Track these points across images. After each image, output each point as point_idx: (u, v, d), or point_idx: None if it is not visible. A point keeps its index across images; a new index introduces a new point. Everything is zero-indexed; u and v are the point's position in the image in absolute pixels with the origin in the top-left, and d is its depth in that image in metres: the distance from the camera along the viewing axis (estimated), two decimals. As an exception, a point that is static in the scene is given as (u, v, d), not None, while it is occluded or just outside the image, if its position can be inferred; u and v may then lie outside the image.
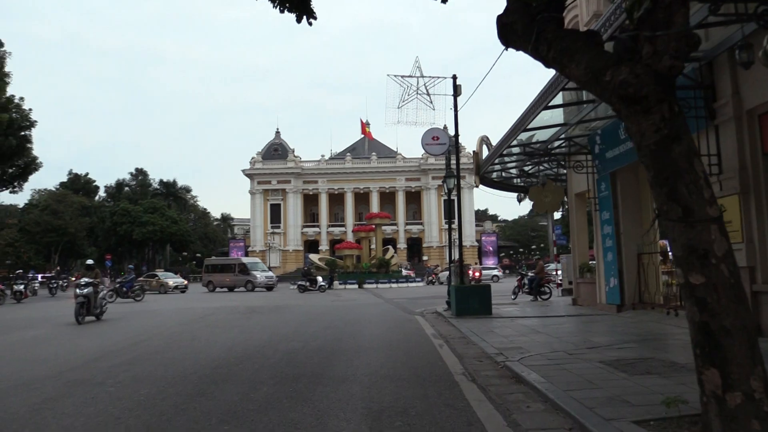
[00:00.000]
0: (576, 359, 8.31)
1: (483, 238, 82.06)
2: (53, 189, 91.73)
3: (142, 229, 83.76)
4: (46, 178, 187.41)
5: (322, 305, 23.20)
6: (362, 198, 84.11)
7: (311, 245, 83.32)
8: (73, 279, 63.48)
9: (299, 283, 38.47)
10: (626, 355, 8.49)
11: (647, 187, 15.44)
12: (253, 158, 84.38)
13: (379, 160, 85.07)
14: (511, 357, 8.63)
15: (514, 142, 15.61)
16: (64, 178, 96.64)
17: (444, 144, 17.22)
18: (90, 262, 19.46)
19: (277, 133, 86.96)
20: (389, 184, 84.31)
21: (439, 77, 17.51)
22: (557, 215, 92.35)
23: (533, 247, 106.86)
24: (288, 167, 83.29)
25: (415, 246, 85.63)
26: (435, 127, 17.41)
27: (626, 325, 12.40)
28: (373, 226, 52.07)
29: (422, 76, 17.41)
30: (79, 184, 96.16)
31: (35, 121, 40.15)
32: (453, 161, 19.21)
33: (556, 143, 16.69)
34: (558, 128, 15.49)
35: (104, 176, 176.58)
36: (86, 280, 16.85)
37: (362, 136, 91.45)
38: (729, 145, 10.18)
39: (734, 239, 9.91)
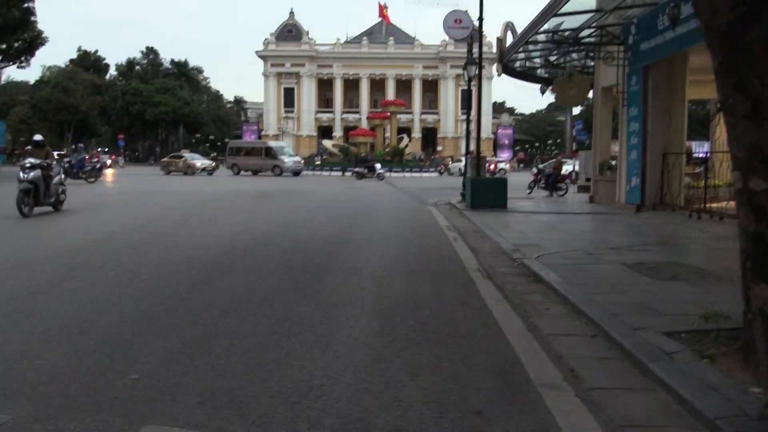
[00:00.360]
0: (596, 260, 8.00)
1: (499, 130, 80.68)
2: (63, 66, 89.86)
3: (155, 110, 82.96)
4: (55, 56, 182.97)
5: (335, 192, 23.03)
6: (378, 84, 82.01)
7: (325, 131, 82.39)
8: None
9: (356, 170, 37.23)
10: (649, 258, 8.16)
11: (681, 84, 14.54)
12: (266, 39, 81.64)
13: (396, 46, 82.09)
14: (528, 254, 8.33)
15: (543, 28, 14.56)
16: (74, 56, 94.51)
17: (467, 28, 16.14)
18: (38, 137, 14.39)
19: (291, 13, 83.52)
20: (406, 71, 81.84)
21: (466, -47, 16.07)
22: (576, 110, 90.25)
23: (549, 141, 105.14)
24: (302, 50, 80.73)
25: (430, 136, 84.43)
26: (458, 9, 16.30)
27: (647, 226, 12.03)
28: (389, 114, 51.00)
29: (448, -49, 15.99)
30: (89, 62, 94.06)
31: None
32: (475, 50, 18.20)
33: (587, 32, 15.60)
34: (591, 15, 14.42)
35: (114, 55, 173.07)
36: (32, 160, 12.85)
37: (380, 19, 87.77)
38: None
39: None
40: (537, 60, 19.78)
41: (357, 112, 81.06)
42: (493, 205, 15.48)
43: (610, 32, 14.90)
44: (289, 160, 41.33)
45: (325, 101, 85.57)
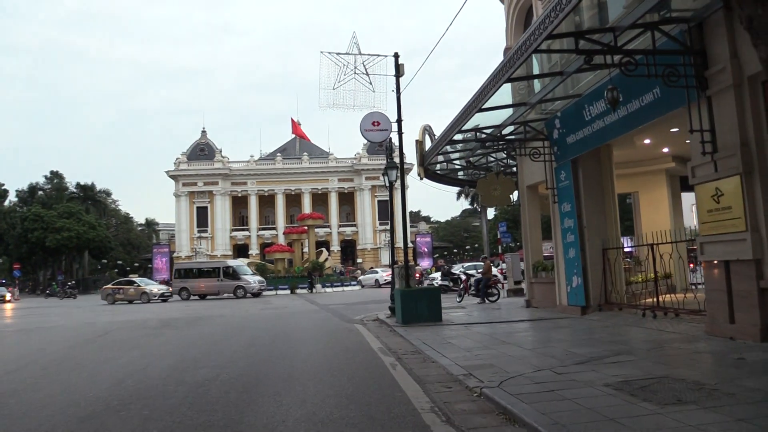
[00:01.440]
0: (571, 381, 6.48)
1: (418, 239, 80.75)
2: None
3: (57, 236, 78.00)
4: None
5: (249, 315, 20.81)
6: (294, 200, 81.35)
7: (240, 249, 79.83)
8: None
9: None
10: (630, 372, 6.74)
11: (610, 177, 14.04)
12: (177, 159, 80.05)
13: (311, 160, 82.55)
14: (488, 381, 6.73)
15: (465, 127, 13.81)
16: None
17: (386, 130, 15.25)
18: None
19: (203, 132, 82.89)
20: (322, 185, 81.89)
21: (378, 55, 15.51)
22: (490, 213, 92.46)
23: (468, 247, 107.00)
24: (215, 168, 79.51)
25: (349, 248, 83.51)
26: (375, 111, 15.41)
27: (602, 330, 10.76)
28: (306, 228, 49.65)
29: (360, 54, 15.36)
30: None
31: None
32: (396, 152, 17.34)
33: (509, 129, 15.07)
34: (512, 111, 13.89)
35: (18, 182, 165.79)
36: None
37: (293, 136, 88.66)
38: (726, 119, 8.65)
39: (736, 228, 8.39)
40: (457, 162, 19.16)
41: (273, 229, 79.44)
42: (427, 319, 13.97)
43: (534, 128, 14.36)
44: (252, 280, 38.23)
45: (240, 219, 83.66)
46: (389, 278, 34.87)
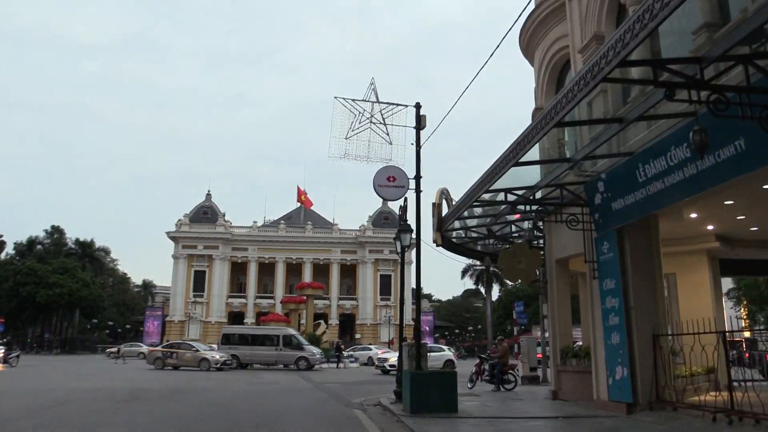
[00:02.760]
0: None
1: (420, 317, 78.09)
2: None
3: (48, 291, 75.68)
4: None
5: (234, 391, 18.42)
6: (294, 269, 79.26)
7: (236, 317, 77.06)
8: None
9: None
10: None
11: (659, 250, 12.11)
12: (179, 220, 78.69)
13: (314, 230, 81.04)
14: None
15: (495, 186, 12.05)
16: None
17: (402, 187, 13.49)
18: None
19: (208, 195, 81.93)
20: (324, 255, 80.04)
21: (398, 104, 13.96)
22: (495, 293, 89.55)
23: (470, 328, 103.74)
24: (217, 232, 77.96)
25: (347, 322, 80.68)
26: (391, 165, 13.72)
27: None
28: (305, 298, 47.40)
29: (378, 102, 13.84)
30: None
31: None
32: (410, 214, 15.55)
33: (542, 193, 13.32)
34: (545, 174, 12.21)
35: (19, 236, 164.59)
36: None
37: (298, 205, 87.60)
38: None
39: None
40: (475, 231, 17.31)
41: (271, 297, 77.00)
42: (441, 408, 11.73)
43: (571, 192, 12.58)
44: (316, 351, 35.53)
45: (238, 285, 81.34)
46: (384, 356, 32.05)
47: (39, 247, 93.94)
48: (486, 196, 12.77)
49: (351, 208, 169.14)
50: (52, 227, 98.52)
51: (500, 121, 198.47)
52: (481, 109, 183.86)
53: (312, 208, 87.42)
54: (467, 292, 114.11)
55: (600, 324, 12.40)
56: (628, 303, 11.54)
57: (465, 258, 76.89)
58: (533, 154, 11.37)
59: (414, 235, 14.69)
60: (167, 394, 16.18)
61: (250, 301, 78.20)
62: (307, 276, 75.16)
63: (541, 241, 16.60)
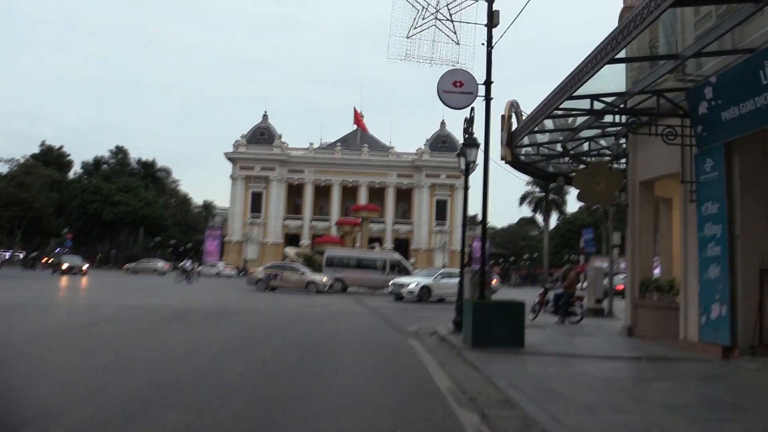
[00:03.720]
0: None
1: (474, 243, 76.76)
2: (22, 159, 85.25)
3: (114, 209, 77.86)
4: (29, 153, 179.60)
5: (286, 312, 17.74)
6: (350, 192, 78.56)
7: (292, 239, 77.58)
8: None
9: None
10: None
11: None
12: (237, 141, 78.52)
13: (370, 153, 79.62)
14: None
15: (579, 92, 10.26)
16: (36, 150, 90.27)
17: (470, 94, 11.80)
18: None
19: (265, 116, 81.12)
20: (380, 179, 78.84)
21: (467, -4, 12.07)
22: (552, 221, 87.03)
23: (525, 256, 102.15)
24: (273, 153, 77.50)
25: (402, 247, 79.92)
26: (458, 69, 12.01)
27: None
28: (360, 220, 46.65)
29: (444, -6, 12.00)
30: (51, 157, 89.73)
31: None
32: (476, 128, 13.94)
33: (630, 101, 11.45)
34: (641, 79, 10.34)
35: (86, 156, 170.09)
36: None
37: (355, 128, 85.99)
38: None
39: None
40: (547, 148, 15.56)
41: (327, 220, 76.87)
42: (506, 342, 10.51)
43: (670, 100, 10.68)
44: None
45: (294, 207, 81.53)
46: (402, 280, 28.40)
47: (105, 166, 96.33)
48: (567, 105, 11.02)
49: (408, 132, 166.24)
50: (117, 147, 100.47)
51: (560, 44, 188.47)
52: (538, 31, 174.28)
53: (369, 131, 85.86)
54: (523, 220, 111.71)
55: (694, 254, 10.74)
56: (733, 231, 9.83)
57: (530, 178, 74.55)
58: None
59: (480, 150, 13.19)
60: (218, 314, 15.59)
61: (306, 223, 78.39)
62: (363, 199, 74.37)
63: (622, 162, 14.78)
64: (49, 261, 59.69)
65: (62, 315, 14.73)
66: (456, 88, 11.83)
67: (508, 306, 11.03)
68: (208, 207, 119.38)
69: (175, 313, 15.04)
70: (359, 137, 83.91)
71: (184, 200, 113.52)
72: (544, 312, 18.11)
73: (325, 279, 31.80)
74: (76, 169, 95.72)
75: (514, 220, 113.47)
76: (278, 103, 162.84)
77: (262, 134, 79.03)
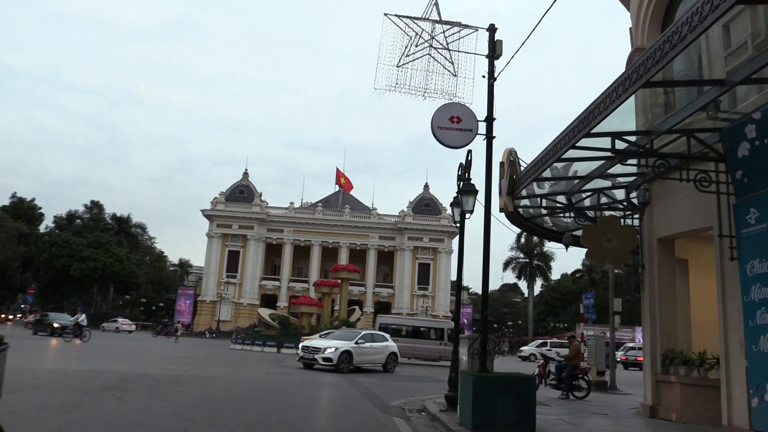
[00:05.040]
0: None
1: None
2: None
3: (81, 265, 74.94)
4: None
5: (250, 381, 15.53)
6: (330, 253, 76.60)
7: (269, 300, 74.89)
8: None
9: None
10: None
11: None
12: (215, 198, 76.76)
13: (352, 214, 78.17)
14: None
15: (598, 129, 8.73)
16: (7, 202, 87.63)
17: (469, 131, 10.23)
18: None
19: (245, 174, 79.72)
20: (361, 240, 77.13)
21: (466, 26, 10.68)
22: (536, 288, 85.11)
23: (510, 323, 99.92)
24: (252, 212, 75.69)
25: (383, 311, 77.53)
26: (456, 103, 10.49)
27: None
28: (339, 282, 44.48)
29: (441, 22, 10.61)
30: (21, 210, 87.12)
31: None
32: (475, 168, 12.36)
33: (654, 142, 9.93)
34: (666, 118, 8.88)
35: (61, 210, 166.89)
36: None
37: (337, 189, 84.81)
38: None
39: None
40: (551, 200, 13.97)
41: (305, 281, 74.51)
42: (513, 425, 8.58)
43: (702, 141, 9.17)
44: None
45: (272, 268, 79.19)
46: (310, 343, 22.78)
47: (78, 221, 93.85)
48: (583, 144, 9.46)
49: (390, 197, 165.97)
50: (92, 202, 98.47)
51: (538, 116, 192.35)
52: (516, 102, 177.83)
53: (351, 193, 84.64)
54: (505, 286, 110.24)
55: (738, 323, 8.99)
56: (790, 294, 8.14)
57: (514, 243, 73.22)
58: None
59: (473, 202, 11.57)
60: (168, 381, 13.34)
61: (284, 284, 75.91)
62: (344, 261, 72.35)
63: (635, 217, 13.23)
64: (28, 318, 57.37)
65: None
66: (453, 124, 10.27)
67: (516, 381, 9.09)
68: (183, 265, 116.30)
69: (117, 380, 12.81)
70: (341, 198, 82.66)
71: (159, 258, 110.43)
72: (544, 385, 16.15)
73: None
74: (47, 223, 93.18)
75: (496, 286, 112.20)
76: (260, 166, 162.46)
77: (242, 192, 77.43)
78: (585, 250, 14.62)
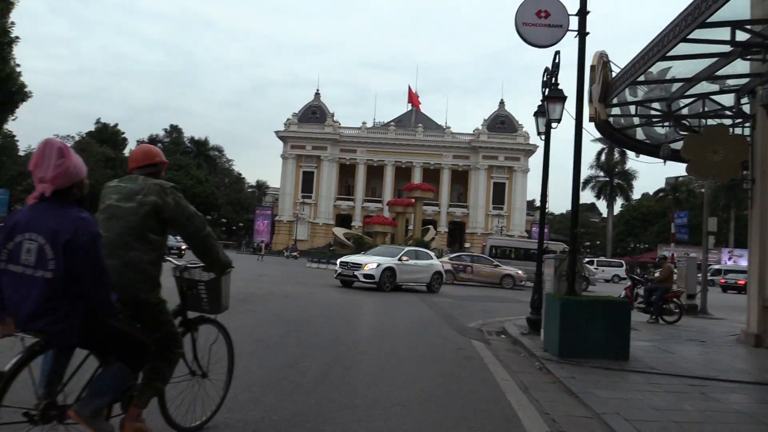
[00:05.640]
0: None
1: (534, 228, 72.97)
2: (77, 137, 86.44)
3: (164, 186, 77.65)
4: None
5: (319, 300, 15.40)
6: (404, 173, 75.94)
7: (344, 220, 75.78)
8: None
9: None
10: None
11: None
12: (288, 119, 76.94)
13: (425, 133, 76.67)
14: None
15: (715, 18, 7.41)
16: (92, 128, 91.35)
17: (558, 27, 9.04)
18: None
19: (317, 94, 79.13)
20: (435, 160, 75.92)
21: None
22: (616, 207, 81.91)
23: (586, 243, 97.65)
24: (325, 132, 75.52)
25: (456, 231, 77.22)
26: (544, -6, 9.25)
27: None
28: (413, 200, 44.05)
29: None
30: (106, 135, 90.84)
31: (16, 38, 33.12)
32: (567, 68, 11.18)
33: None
34: None
35: (143, 135, 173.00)
36: None
37: (410, 108, 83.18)
38: None
39: None
40: (647, 107, 12.59)
41: (379, 201, 74.58)
42: (605, 353, 7.87)
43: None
44: (595, 270, 30.08)
45: (346, 188, 79.56)
46: (350, 259, 21.59)
47: (159, 145, 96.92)
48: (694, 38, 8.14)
49: (464, 116, 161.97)
50: (171, 126, 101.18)
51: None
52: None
53: (424, 112, 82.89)
54: (582, 206, 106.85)
55: None
56: None
57: (593, 161, 70.21)
58: None
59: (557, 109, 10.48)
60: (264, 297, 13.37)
61: (358, 204, 76.36)
62: (417, 180, 71.69)
63: (746, 126, 11.74)
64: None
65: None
66: (540, 20, 9.08)
67: (609, 305, 8.30)
68: (260, 187, 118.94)
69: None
70: (414, 117, 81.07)
71: (237, 180, 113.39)
72: (632, 308, 15.22)
73: (521, 273, 27.46)
74: (131, 147, 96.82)
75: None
76: (331, 87, 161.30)
77: (314, 113, 77.15)
78: (678, 165, 13.35)
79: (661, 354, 9.14)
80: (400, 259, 20.54)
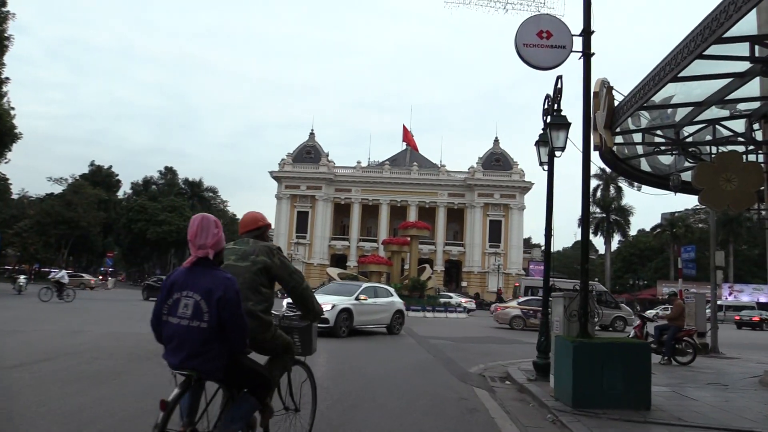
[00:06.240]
0: None
1: (531, 266, 72.13)
2: (70, 179, 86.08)
3: (157, 228, 77.07)
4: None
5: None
6: (399, 212, 75.43)
7: (339, 259, 74.87)
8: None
9: None
10: None
11: None
12: (283, 159, 76.77)
13: (420, 172, 76.47)
14: None
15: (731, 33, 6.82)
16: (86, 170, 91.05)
17: (561, 48, 8.46)
18: None
19: (311, 134, 79.16)
20: (430, 198, 75.55)
21: None
22: (614, 244, 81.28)
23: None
24: (320, 172, 75.25)
25: (453, 269, 76.34)
26: (546, 14, 8.72)
27: None
28: (409, 239, 43.22)
29: None
30: (99, 177, 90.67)
31: (6, 79, 32.83)
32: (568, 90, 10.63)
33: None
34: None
35: (137, 178, 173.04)
36: None
37: (404, 147, 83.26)
38: None
39: None
40: (654, 134, 11.97)
41: (375, 241, 73.87)
42: (624, 402, 7.05)
43: None
44: (628, 312, 29.43)
45: (340, 228, 78.92)
46: (329, 314, 16.32)
47: (153, 187, 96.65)
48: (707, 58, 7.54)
49: (459, 155, 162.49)
50: (166, 168, 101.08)
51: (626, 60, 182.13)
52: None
53: (418, 151, 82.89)
54: (578, 243, 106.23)
55: None
56: None
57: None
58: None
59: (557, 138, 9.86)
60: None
61: (353, 244, 75.61)
62: (412, 219, 71.09)
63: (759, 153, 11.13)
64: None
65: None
66: (542, 40, 8.49)
67: (628, 348, 7.48)
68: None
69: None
70: (409, 156, 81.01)
71: (232, 221, 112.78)
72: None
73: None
74: (125, 189, 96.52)
75: (569, 243, 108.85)
76: (326, 128, 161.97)
77: (309, 153, 77.03)
78: (672, 200, 12.70)
79: (683, 401, 8.28)
80: (357, 298, 17.73)
